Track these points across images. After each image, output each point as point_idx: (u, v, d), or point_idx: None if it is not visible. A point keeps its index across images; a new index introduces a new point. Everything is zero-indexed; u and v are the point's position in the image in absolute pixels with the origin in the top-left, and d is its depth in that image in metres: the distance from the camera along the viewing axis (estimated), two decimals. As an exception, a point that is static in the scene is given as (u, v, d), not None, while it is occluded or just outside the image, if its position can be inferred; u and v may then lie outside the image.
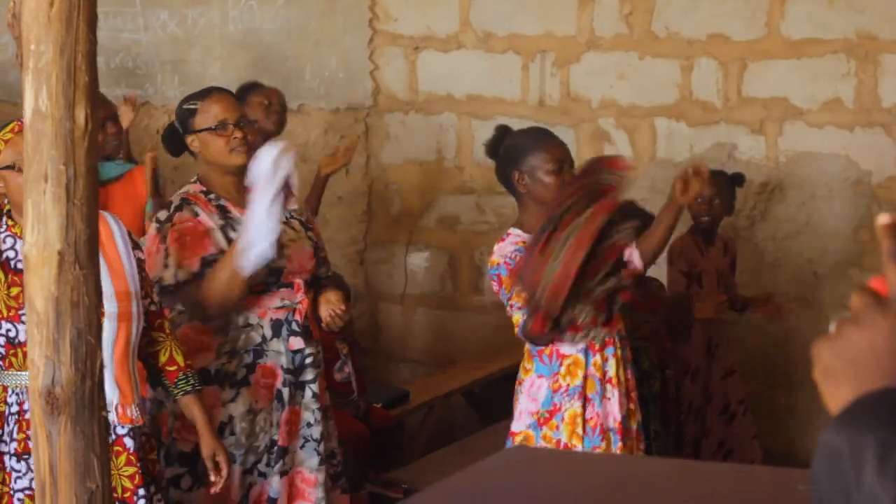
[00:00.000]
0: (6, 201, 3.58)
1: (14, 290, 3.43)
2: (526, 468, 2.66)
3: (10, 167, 3.44)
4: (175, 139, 4.16)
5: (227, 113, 4.05)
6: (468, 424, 6.20)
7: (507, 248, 4.09)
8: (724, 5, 5.91)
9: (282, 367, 4.01)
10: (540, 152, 4.13)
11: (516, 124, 5.96)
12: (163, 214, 4.01)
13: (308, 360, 4.05)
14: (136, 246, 3.63)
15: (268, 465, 4.02)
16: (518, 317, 4.00)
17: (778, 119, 5.90)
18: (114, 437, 3.45)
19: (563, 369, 4.03)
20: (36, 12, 2.55)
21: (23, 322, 3.40)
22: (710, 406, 5.39)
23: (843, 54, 5.76)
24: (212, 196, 4.02)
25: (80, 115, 2.58)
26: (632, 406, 4.20)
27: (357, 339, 5.85)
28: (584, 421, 4.06)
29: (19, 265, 3.44)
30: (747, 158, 5.92)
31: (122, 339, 3.48)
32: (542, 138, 4.23)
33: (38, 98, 2.57)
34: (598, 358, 4.08)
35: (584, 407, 4.06)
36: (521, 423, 4.07)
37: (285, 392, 4.01)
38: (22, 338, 3.39)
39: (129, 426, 3.52)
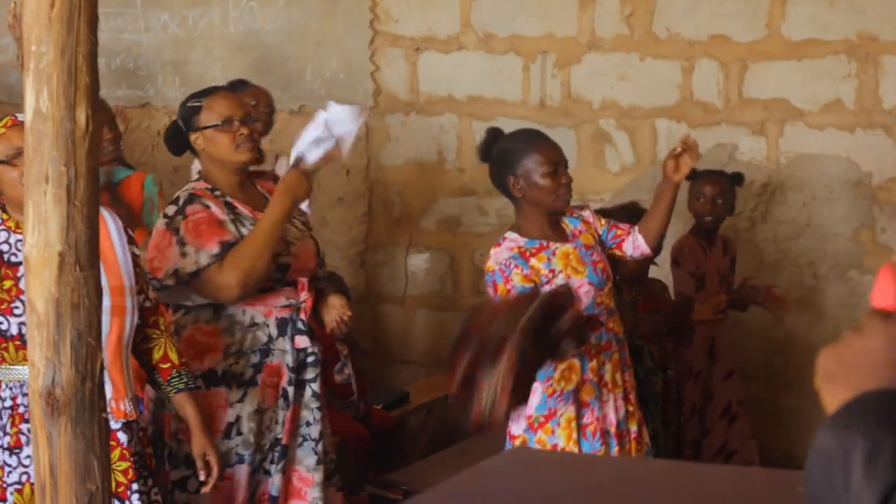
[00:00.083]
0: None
1: (7, 284, 3.43)
2: (526, 470, 2.66)
3: (3, 161, 3.44)
4: (178, 138, 4.17)
5: (232, 110, 4.08)
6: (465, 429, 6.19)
7: (503, 254, 4.08)
8: (725, 6, 5.91)
9: (288, 365, 4.03)
10: (534, 155, 4.12)
11: (517, 125, 5.96)
12: (170, 210, 4.02)
13: (310, 359, 4.08)
14: (131, 241, 3.62)
15: (272, 462, 4.04)
16: None
17: (779, 120, 5.90)
18: None
19: (557, 374, 4.03)
20: (37, 13, 2.55)
21: (14, 315, 3.41)
22: (710, 406, 5.39)
23: (843, 55, 5.76)
24: (217, 193, 4.04)
25: (81, 116, 2.58)
26: (630, 408, 4.20)
27: (357, 341, 5.85)
28: (583, 426, 4.06)
29: (13, 258, 3.44)
30: (748, 159, 5.92)
31: (114, 333, 3.47)
32: (535, 141, 4.21)
33: (38, 99, 2.57)
34: (594, 362, 4.09)
35: (579, 411, 4.06)
36: (519, 427, 4.07)
37: (290, 391, 4.03)
38: (14, 331, 3.40)
39: (123, 420, 3.52)
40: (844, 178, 5.84)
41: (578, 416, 4.07)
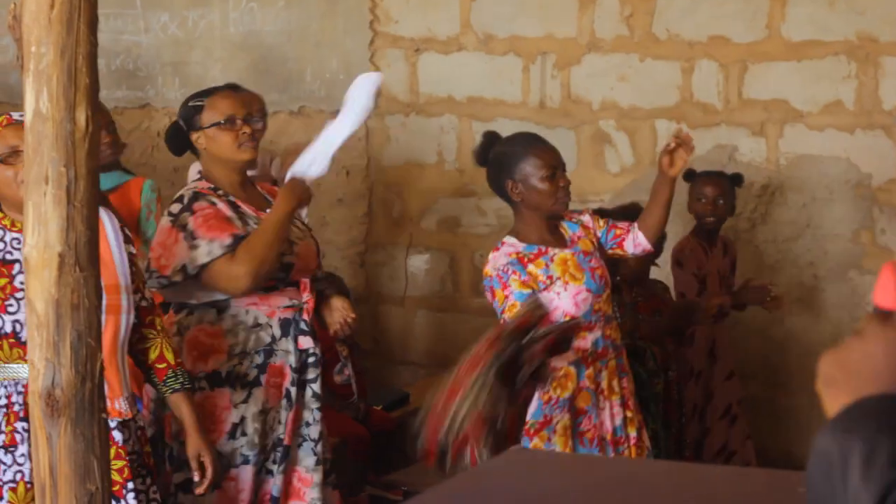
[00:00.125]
0: None
1: (1, 282, 3.42)
2: (526, 470, 2.66)
3: None
4: (178, 138, 4.18)
5: (234, 109, 4.10)
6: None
7: (501, 259, 4.07)
8: (725, 7, 5.91)
9: (291, 366, 4.05)
10: (532, 158, 4.11)
11: (517, 126, 5.97)
12: (175, 208, 4.02)
13: (311, 360, 4.09)
14: (127, 240, 3.62)
15: (273, 462, 4.04)
16: None
17: (778, 121, 5.90)
18: None
19: (553, 381, 4.03)
20: (36, 14, 2.55)
21: (9, 312, 3.40)
22: (710, 407, 5.40)
23: (843, 56, 5.76)
24: (220, 192, 4.05)
25: (81, 116, 2.58)
26: (629, 413, 4.19)
27: (357, 342, 5.85)
28: (581, 433, 4.05)
29: (7, 257, 3.44)
30: (748, 160, 5.92)
31: (109, 331, 3.47)
32: (532, 144, 4.20)
33: (38, 100, 2.57)
34: (591, 370, 4.08)
35: (576, 419, 4.06)
36: None
37: (293, 391, 4.04)
38: (8, 329, 3.39)
39: (118, 419, 3.52)
40: (844, 179, 5.84)
41: (575, 424, 4.06)
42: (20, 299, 3.36)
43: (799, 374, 5.88)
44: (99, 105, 2.63)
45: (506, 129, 5.76)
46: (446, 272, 6.55)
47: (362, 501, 5.30)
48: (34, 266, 2.62)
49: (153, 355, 3.69)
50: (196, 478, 3.73)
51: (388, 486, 5.26)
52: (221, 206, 4.02)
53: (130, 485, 3.52)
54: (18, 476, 3.37)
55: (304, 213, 4.43)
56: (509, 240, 4.13)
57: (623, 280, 5.12)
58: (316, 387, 4.10)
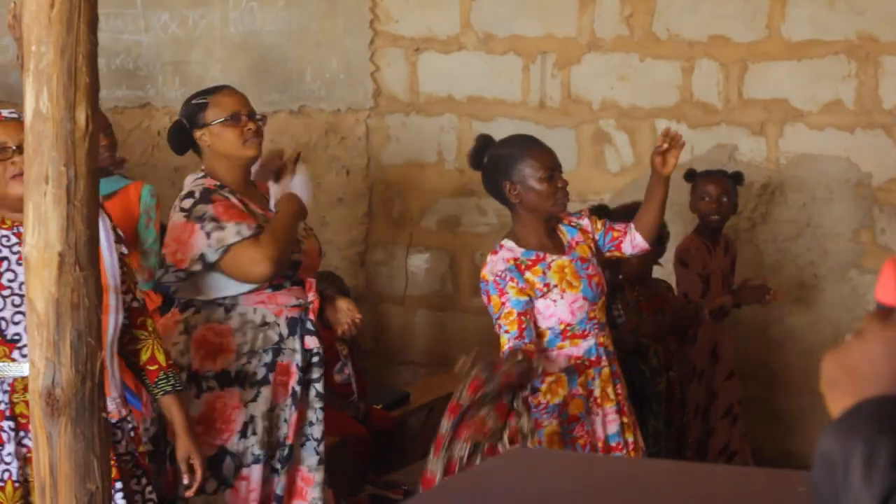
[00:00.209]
0: None
1: None
2: (526, 469, 2.66)
3: None
4: (181, 136, 4.17)
5: (238, 105, 4.12)
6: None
7: (499, 265, 4.06)
8: (725, 7, 5.91)
9: (297, 365, 4.06)
10: (529, 160, 4.10)
11: (517, 126, 5.98)
12: (187, 203, 4.02)
13: (315, 359, 4.10)
14: (118, 240, 3.60)
15: (279, 461, 4.06)
16: (505, 339, 4.00)
17: (779, 121, 5.90)
18: None
19: (544, 386, 4.03)
20: (37, 14, 2.55)
21: None
22: (713, 407, 5.40)
23: (843, 56, 5.76)
24: (226, 190, 4.06)
25: (81, 116, 2.58)
26: (625, 419, 4.19)
27: (357, 341, 5.85)
28: (573, 439, 4.05)
29: None
30: (748, 160, 5.92)
31: None
32: (529, 146, 4.19)
33: (38, 99, 2.57)
34: (583, 377, 4.08)
35: (569, 425, 4.06)
36: None
37: (299, 390, 4.05)
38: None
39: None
40: (844, 178, 5.83)
41: (568, 430, 4.06)
42: (7, 297, 3.36)
43: (799, 374, 5.88)
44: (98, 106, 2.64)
45: (506, 128, 5.78)
46: (446, 272, 6.55)
47: (362, 501, 5.30)
48: (34, 265, 2.62)
49: (144, 356, 3.66)
50: (185, 480, 3.71)
51: (388, 486, 5.26)
52: (234, 200, 4.05)
53: (118, 485, 3.50)
54: (6, 475, 3.36)
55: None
56: (507, 243, 4.11)
57: (626, 279, 5.12)
58: (319, 386, 4.13)
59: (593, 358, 4.10)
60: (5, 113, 3.43)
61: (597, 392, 4.11)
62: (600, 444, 4.10)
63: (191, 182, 4.13)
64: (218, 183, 4.07)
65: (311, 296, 4.10)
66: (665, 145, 4.19)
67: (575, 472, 2.71)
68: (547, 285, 4.05)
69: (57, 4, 2.53)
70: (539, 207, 4.10)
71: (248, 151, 4.08)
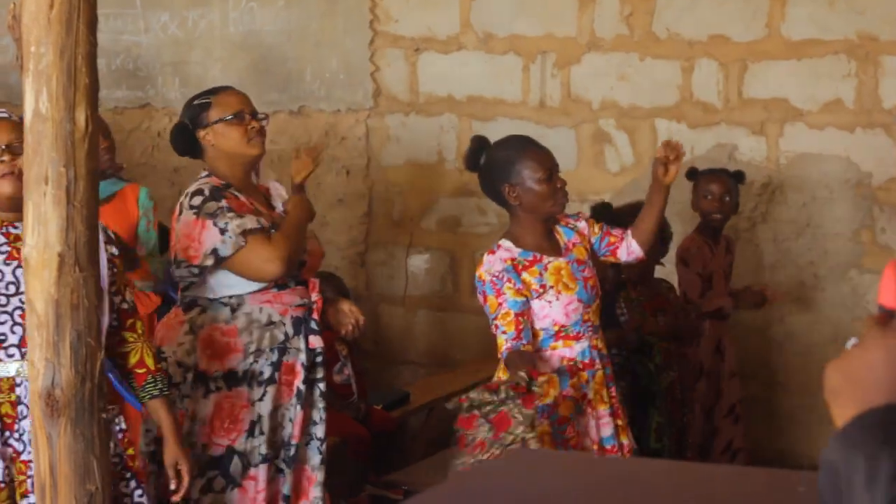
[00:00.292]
0: None
1: None
2: (526, 469, 2.66)
3: None
4: (184, 136, 4.17)
5: (242, 105, 4.14)
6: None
7: (497, 265, 4.06)
8: (725, 6, 5.91)
9: (302, 364, 4.07)
10: (527, 161, 4.10)
11: (517, 125, 5.98)
12: (196, 200, 4.02)
13: (318, 359, 4.12)
14: (109, 241, 3.58)
15: (284, 461, 4.06)
16: (502, 340, 4.00)
17: (778, 120, 5.90)
18: None
19: (536, 388, 4.02)
20: (36, 14, 2.55)
21: None
22: (717, 406, 5.41)
23: (843, 55, 5.76)
24: (232, 189, 4.07)
25: (81, 117, 2.58)
26: (619, 422, 4.19)
27: (357, 341, 5.85)
28: (566, 440, 4.05)
29: None
30: (748, 160, 5.92)
31: None
32: (526, 147, 4.18)
33: (38, 100, 2.57)
34: (575, 379, 4.08)
35: (560, 426, 4.05)
36: None
37: (304, 390, 4.06)
38: None
39: None
40: (844, 178, 5.83)
41: (560, 431, 4.06)
42: None
43: (798, 374, 5.88)
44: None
45: (506, 128, 5.78)
46: (446, 272, 6.55)
47: (362, 501, 5.30)
48: (34, 266, 2.62)
49: (133, 359, 3.62)
50: (173, 486, 3.67)
51: (388, 486, 5.26)
52: (242, 198, 4.07)
53: None
54: None
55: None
56: (505, 243, 4.11)
57: (628, 278, 5.13)
58: (323, 386, 4.16)
59: (587, 360, 4.10)
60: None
61: (591, 394, 4.11)
62: (595, 447, 4.09)
63: (195, 183, 4.13)
64: (224, 182, 4.08)
65: (315, 296, 4.12)
66: (672, 157, 4.18)
67: (575, 472, 2.70)
68: (543, 286, 4.05)
69: (56, 5, 2.53)
70: (538, 208, 4.10)
71: (252, 150, 4.10)
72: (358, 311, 4.23)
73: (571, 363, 4.06)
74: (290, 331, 4.07)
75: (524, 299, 4.01)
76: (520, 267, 4.06)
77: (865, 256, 5.83)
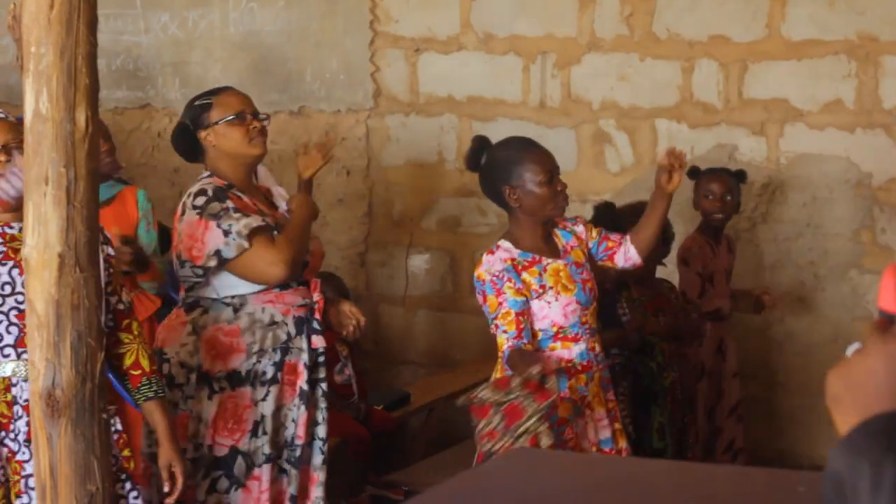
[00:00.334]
0: None
1: None
2: (527, 469, 2.66)
3: None
4: (185, 137, 4.17)
5: (243, 105, 4.14)
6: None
7: (496, 265, 4.06)
8: (725, 7, 5.91)
9: (305, 364, 4.07)
10: (528, 164, 4.09)
11: (517, 126, 5.98)
12: (200, 200, 4.02)
13: (321, 359, 4.12)
14: (105, 241, 3.55)
15: (288, 461, 4.06)
16: (502, 339, 4.00)
17: (779, 120, 5.90)
18: None
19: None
20: (36, 14, 2.55)
21: None
22: (719, 406, 5.41)
23: (843, 56, 5.76)
24: (234, 190, 4.07)
25: (81, 117, 2.58)
26: (617, 425, 4.19)
27: (358, 342, 5.85)
28: (564, 441, 4.05)
29: None
30: (748, 160, 5.92)
31: None
32: (527, 149, 4.17)
33: (38, 100, 2.57)
34: (573, 381, 4.08)
35: (558, 427, 4.05)
36: None
37: (307, 389, 4.07)
38: None
39: None
40: (844, 178, 5.83)
41: (559, 433, 4.06)
42: None
43: (798, 374, 5.88)
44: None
45: (506, 128, 5.78)
46: (446, 272, 6.55)
47: (363, 501, 5.30)
48: (34, 266, 2.62)
49: (128, 361, 3.61)
50: (166, 488, 3.66)
51: (388, 486, 5.26)
52: (246, 199, 4.07)
53: None
54: None
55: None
56: (504, 244, 4.11)
57: (630, 278, 5.13)
58: (325, 386, 4.16)
59: (585, 362, 4.10)
60: None
61: (589, 396, 4.11)
62: (593, 449, 4.10)
63: (197, 183, 4.13)
64: (226, 182, 4.08)
65: (316, 296, 4.13)
66: (677, 166, 4.17)
67: (575, 472, 2.71)
68: (543, 286, 4.05)
69: (56, 5, 2.53)
70: (539, 211, 4.10)
71: (253, 150, 4.10)
72: (359, 312, 4.23)
73: (569, 365, 4.07)
74: (293, 331, 4.07)
75: (524, 299, 4.02)
76: (519, 267, 4.06)
77: (865, 257, 5.83)
